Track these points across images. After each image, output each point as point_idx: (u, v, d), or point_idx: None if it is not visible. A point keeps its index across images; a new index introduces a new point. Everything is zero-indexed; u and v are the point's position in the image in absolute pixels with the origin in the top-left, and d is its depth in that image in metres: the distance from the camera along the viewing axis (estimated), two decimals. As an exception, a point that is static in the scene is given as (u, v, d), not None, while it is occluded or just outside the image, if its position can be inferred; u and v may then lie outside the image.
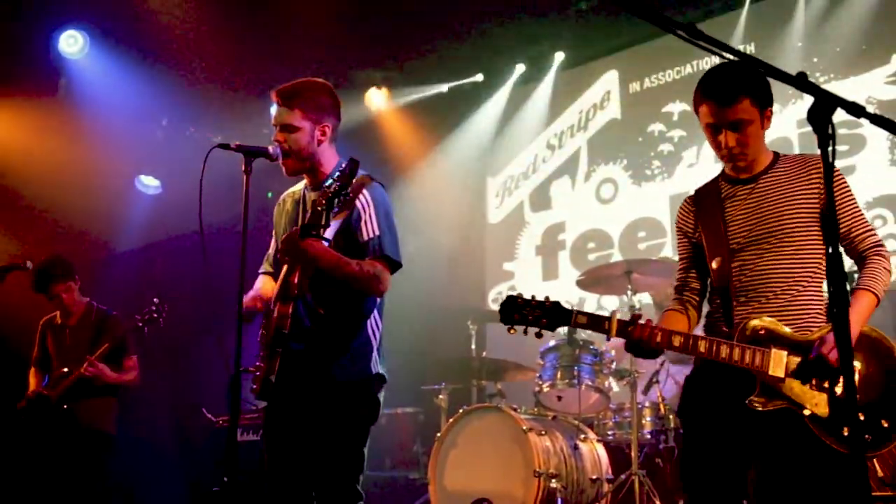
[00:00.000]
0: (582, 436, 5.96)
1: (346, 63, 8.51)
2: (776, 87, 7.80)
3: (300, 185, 4.07)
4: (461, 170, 9.49)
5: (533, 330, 3.41)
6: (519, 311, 3.41)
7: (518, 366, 6.79)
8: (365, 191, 3.78)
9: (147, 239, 8.87)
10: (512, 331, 3.43)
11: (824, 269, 3.29)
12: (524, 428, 5.58)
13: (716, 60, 8.00)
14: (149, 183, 9.05)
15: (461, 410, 5.98)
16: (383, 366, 3.86)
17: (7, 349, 7.53)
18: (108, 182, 8.45)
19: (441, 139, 9.56)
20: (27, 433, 6.20)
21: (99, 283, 6.64)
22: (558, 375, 6.15)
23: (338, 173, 3.47)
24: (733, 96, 3.30)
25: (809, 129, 6.87)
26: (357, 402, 3.75)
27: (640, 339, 3.23)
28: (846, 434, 3.04)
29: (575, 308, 3.43)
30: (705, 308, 3.53)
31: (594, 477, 5.78)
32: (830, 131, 2.06)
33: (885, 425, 3.10)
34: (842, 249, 3.27)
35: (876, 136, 6.96)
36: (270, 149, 3.78)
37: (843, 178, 3.41)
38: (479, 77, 9.43)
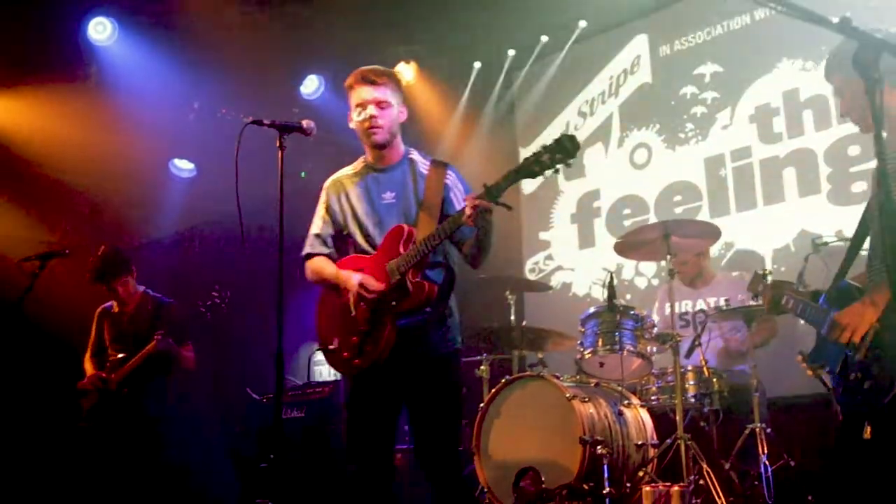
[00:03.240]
0: (626, 402, 5.93)
1: (374, 38, 8.48)
2: (809, 41, 7.65)
3: (357, 167, 4.24)
4: (492, 141, 9.45)
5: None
6: None
7: (558, 334, 6.76)
8: (448, 171, 4.07)
9: (183, 222, 8.93)
10: None
11: None
12: (567, 395, 5.55)
13: (746, 20, 7.93)
14: (183, 166, 9.09)
15: (503, 380, 5.97)
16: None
17: (50, 335, 7.63)
18: (142, 167, 8.51)
19: (471, 111, 9.53)
20: (85, 416, 6.35)
21: (137, 268, 6.69)
22: (600, 342, 6.10)
23: (542, 148, 3.56)
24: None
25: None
26: (455, 372, 4.06)
27: None
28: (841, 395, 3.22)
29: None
30: None
31: (639, 442, 5.76)
32: (877, 76, 2.00)
33: (867, 386, 3.12)
34: None
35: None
36: (304, 124, 3.82)
37: None
38: (511, 52, 9.38)
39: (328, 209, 4.20)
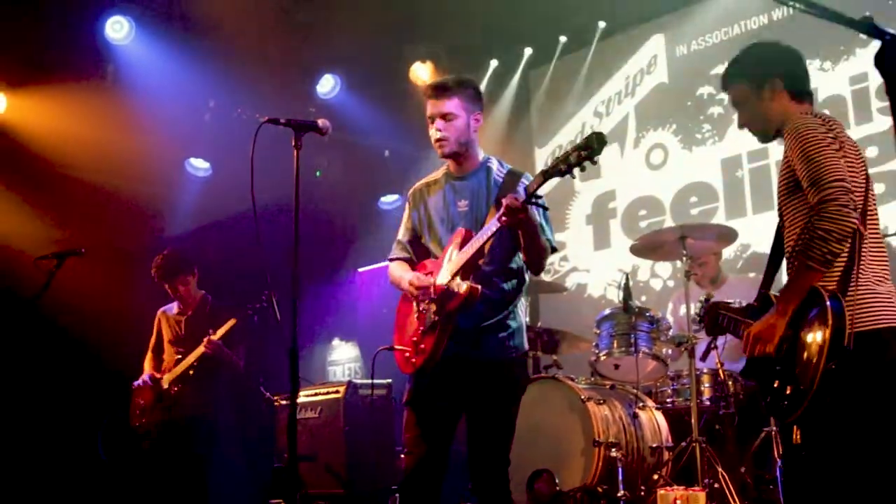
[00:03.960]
0: (640, 404, 5.91)
1: (391, 37, 8.47)
2: (828, 41, 7.59)
3: (438, 174, 4.31)
4: (508, 141, 9.43)
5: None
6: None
7: (573, 336, 6.75)
8: (522, 179, 4.04)
9: (198, 221, 8.94)
10: None
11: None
12: (582, 397, 5.55)
13: (763, 20, 7.88)
14: (199, 165, 9.10)
15: (518, 382, 5.95)
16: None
17: (66, 333, 7.65)
18: (157, 166, 8.53)
19: (487, 111, 9.50)
20: (138, 414, 6.53)
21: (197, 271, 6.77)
22: (615, 344, 6.09)
23: (572, 147, 3.52)
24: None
25: (863, 85, 6.73)
26: (515, 378, 4.07)
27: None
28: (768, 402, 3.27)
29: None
30: None
31: (654, 445, 5.74)
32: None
33: (789, 391, 3.14)
34: None
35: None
36: (320, 123, 3.82)
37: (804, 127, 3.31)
38: (528, 51, 9.37)
39: (409, 217, 4.32)
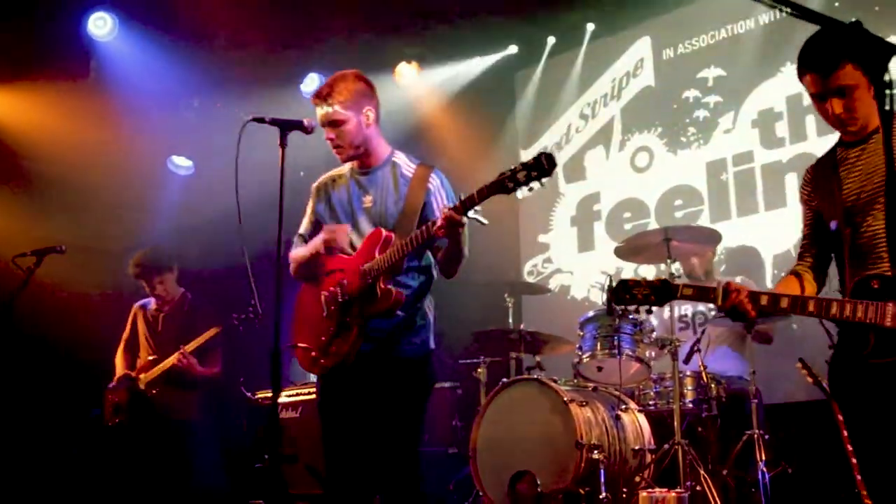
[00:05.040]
0: (623, 406, 5.91)
1: (376, 37, 8.44)
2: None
3: (344, 169, 4.20)
4: (493, 142, 9.41)
5: (643, 307, 3.51)
6: (629, 291, 3.49)
7: (556, 338, 6.73)
8: (433, 175, 4.01)
9: (180, 219, 8.88)
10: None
11: None
12: (565, 399, 5.53)
13: (750, 24, 7.89)
14: (181, 163, 9.04)
15: (500, 383, 5.95)
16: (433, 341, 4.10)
17: (45, 332, 7.59)
18: (140, 164, 8.46)
19: (472, 112, 9.48)
20: (111, 413, 6.49)
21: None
22: (598, 346, 6.09)
23: (520, 165, 3.47)
24: (834, 64, 3.20)
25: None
26: (422, 376, 3.99)
27: (738, 303, 3.22)
28: None
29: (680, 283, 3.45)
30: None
31: (637, 447, 5.74)
32: (887, 80, 1.96)
33: None
34: None
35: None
36: (305, 121, 3.82)
37: None
38: (513, 49, 9.35)
39: (313, 211, 4.22)
